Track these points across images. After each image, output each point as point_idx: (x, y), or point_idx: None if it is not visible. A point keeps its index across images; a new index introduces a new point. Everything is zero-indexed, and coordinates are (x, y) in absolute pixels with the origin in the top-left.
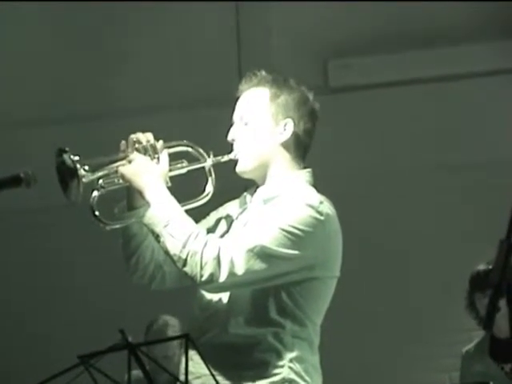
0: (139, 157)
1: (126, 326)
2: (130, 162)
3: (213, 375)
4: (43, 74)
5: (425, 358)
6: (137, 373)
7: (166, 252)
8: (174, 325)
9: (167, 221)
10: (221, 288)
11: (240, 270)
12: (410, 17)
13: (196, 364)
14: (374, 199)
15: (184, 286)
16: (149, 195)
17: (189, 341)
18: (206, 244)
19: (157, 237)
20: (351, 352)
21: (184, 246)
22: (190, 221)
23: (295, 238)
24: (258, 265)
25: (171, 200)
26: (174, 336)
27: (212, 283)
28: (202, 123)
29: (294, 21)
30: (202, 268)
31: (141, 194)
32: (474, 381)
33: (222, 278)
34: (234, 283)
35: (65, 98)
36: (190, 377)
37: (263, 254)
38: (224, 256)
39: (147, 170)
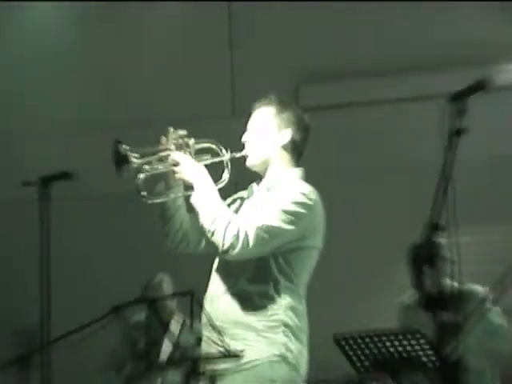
0: (187, 157)
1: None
2: (174, 157)
3: (212, 326)
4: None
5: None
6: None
7: (202, 224)
8: (167, 280)
9: (207, 203)
10: (235, 256)
11: (251, 243)
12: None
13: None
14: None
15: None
16: (199, 186)
17: (193, 296)
18: (229, 223)
19: (197, 213)
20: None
21: (213, 223)
22: (222, 204)
23: (292, 217)
24: (265, 238)
25: (213, 189)
26: (181, 292)
27: (229, 252)
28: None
29: (273, 55)
30: (223, 240)
31: (190, 182)
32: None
33: (237, 249)
34: (246, 253)
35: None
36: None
37: (268, 230)
38: (241, 233)
39: (198, 166)
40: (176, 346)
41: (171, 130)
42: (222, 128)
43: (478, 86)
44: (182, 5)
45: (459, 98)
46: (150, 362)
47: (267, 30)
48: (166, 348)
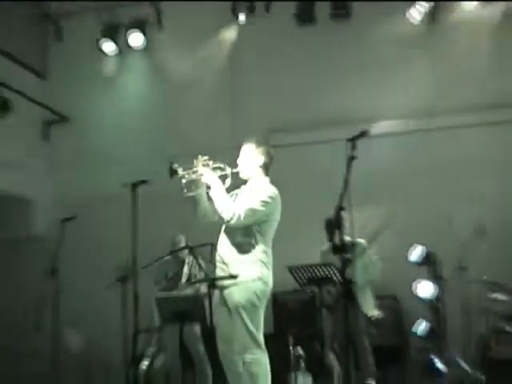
0: (208, 171)
1: None
2: (201, 171)
3: (222, 261)
4: None
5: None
6: None
7: (216, 207)
8: (182, 238)
9: (219, 197)
10: (233, 224)
11: (242, 217)
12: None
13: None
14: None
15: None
16: (213, 186)
17: (212, 245)
18: (230, 206)
19: (213, 201)
20: None
21: (222, 206)
22: (227, 196)
23: (265, 204)
24: (250, 215)
25: (222, 188)
26: (206, 243)
27: (230, 222)
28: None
29: (256, 114)
30: (227, 215)
31: (209, 184)
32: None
33: (234, 220)
34: (239, 223)
35: None
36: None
37: (252, 210)
38: (237, 212)
39: (214, 176)
40: (189, 274)
41: (200, 156)
42: (227, 155)
43: (362, 134)
44: (205, 83)
45: (353, 140)
46: (176, 282)
47: (254, 99)
48: (185, 274)
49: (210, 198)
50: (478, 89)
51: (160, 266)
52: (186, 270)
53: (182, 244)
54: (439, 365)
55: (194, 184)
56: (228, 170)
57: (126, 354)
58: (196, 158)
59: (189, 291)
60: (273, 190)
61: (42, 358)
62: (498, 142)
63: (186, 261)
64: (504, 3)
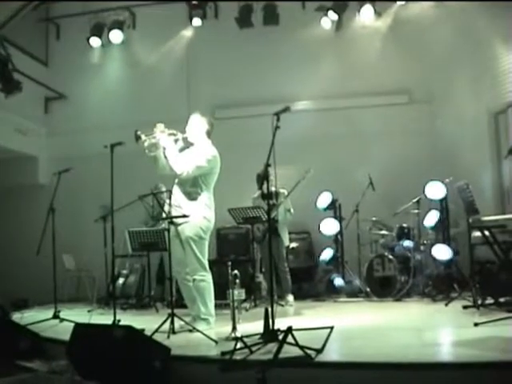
0: (164, 136)
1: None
2: (159, 136)
3: (176, 205)
4: None
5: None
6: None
7: (170, 164)
8: (162, 185)
9: (172, 156)
10: (184, 177)
11: (190, 172)
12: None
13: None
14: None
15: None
16: (168, 148)
17: (171, 192)
18: (180, 164)
19: (168, 160)
20: None
21: (175, 163)
22: (179, 156)
23: (207, 161)
24: (196, 170)
25: (175, 149)
26: (167, 190)
27: (181, 175)
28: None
29: (206, 93)
30: (178, 170)
31: (165, 146)
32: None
33: (185, 174)
34: (189, 176)
35: None
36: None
37: (199, 166)
38: (185, 169)
39: (168, 140)
40: (168, 213)
41: (157, 124)
42: (182, 124)
43: (284, 110)
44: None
45: (277, 114)
46: (157, 220)
47: (204, 82)
48: (164, 213)
49: (166, 157)
50: (370, 79)
51: (147, 209)
52: (166, 209)
53: (162, 188)
54: (339, 281)
55: (154, 146)
56: (179, 136)
57: (107, 272)
58: (156, 126)
59: (162, 227)
60: (214, 150)
61: (45, 273)
62: (385, 119)
63: (167, 202)
64: (391, 17)
